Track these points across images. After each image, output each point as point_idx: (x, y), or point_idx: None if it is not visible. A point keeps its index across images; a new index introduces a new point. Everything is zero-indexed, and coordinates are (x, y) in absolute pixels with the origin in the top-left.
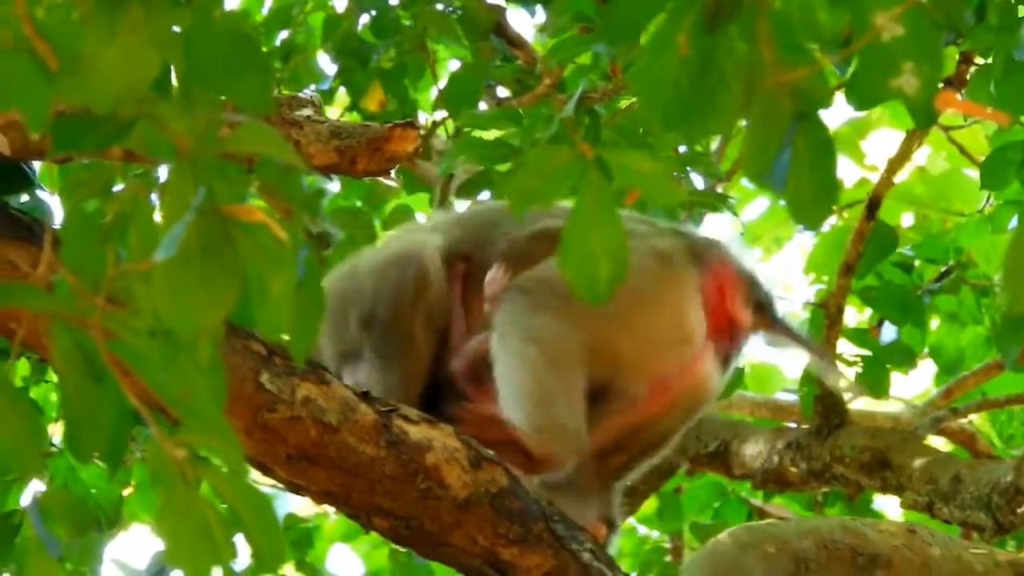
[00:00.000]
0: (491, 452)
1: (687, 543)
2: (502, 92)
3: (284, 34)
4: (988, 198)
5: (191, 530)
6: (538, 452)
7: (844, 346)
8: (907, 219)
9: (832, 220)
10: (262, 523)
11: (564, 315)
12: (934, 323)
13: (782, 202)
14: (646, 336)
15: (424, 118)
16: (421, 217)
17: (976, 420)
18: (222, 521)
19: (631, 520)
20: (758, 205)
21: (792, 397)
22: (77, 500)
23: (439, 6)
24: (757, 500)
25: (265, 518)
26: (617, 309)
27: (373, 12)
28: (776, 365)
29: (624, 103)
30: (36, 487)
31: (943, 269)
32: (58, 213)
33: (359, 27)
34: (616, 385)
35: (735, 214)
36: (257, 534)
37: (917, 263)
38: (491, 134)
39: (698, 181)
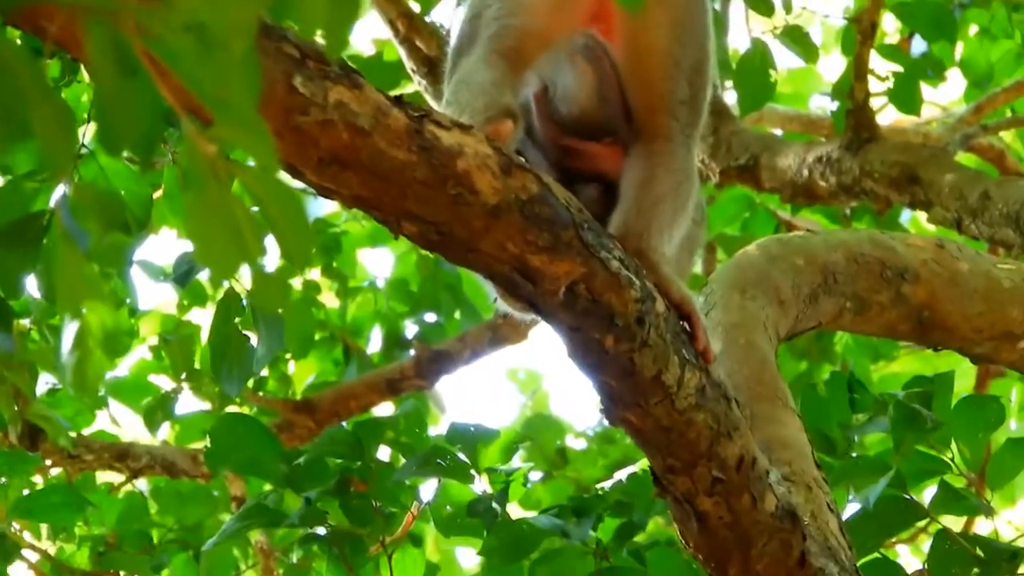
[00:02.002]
0: (522, 159)
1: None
2: None
3: None
4: None
5: (220, 228)
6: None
7: (876, 62)
8: None
9: None
10: (291, 220)
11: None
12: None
13: None
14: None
15: None
16: None
17: (1006, 137)
18: (252, 220)
19: None
20: None
21: (824, 110)
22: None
23: None
24: (785, 213)
25: (295, 215)
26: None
27: None
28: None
29: None
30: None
31: None
32: None
33: None
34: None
35: None
36: (286, 232)
37: None
38: None
39: None
